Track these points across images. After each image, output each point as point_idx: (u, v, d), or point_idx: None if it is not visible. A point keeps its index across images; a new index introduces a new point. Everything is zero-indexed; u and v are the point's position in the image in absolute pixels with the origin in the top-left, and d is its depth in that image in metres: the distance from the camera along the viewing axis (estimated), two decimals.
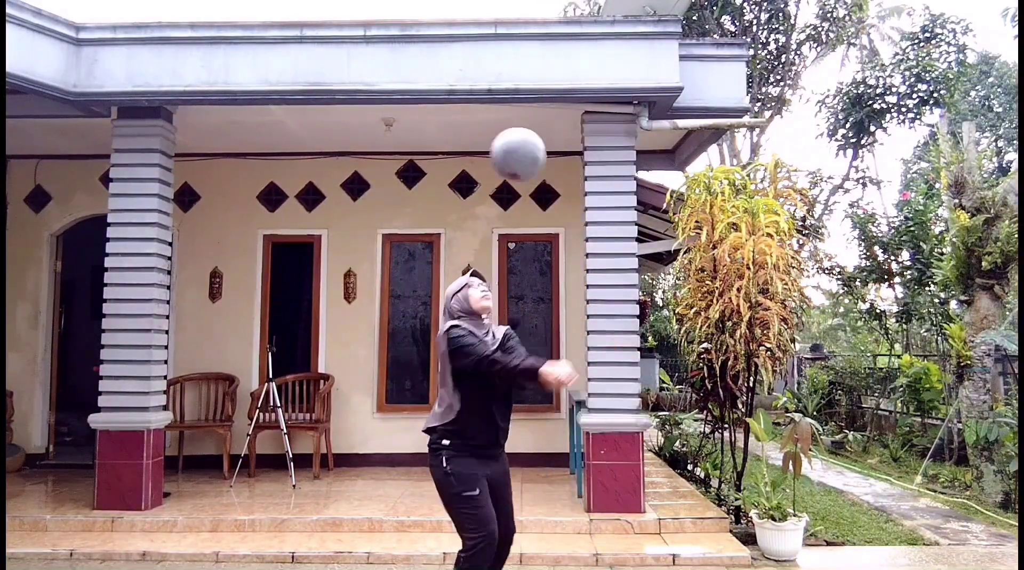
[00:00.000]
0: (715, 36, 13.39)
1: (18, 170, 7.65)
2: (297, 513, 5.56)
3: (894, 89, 12.56)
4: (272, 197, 7.80)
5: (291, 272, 7.81)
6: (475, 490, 3.17)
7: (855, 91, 12.75)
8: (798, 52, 14.36)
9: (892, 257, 11.90)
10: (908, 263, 11.68)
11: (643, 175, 7.64)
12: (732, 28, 14.12)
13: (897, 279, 11.85)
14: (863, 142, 13.14)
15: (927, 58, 12.55)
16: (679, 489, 6.51)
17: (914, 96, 12.49)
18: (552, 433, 7.43)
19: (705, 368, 6.09)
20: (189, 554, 4.94)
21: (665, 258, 10.23)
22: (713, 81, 5.78)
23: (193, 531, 5.38)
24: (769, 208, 5.71)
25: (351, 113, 6.32)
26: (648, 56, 5.53)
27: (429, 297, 7.75)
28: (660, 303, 19.57)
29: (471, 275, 3.49)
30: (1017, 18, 11.44)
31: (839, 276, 12.34)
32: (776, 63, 14.28)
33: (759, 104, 14.36)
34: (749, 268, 5.57)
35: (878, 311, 12.44)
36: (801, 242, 9.24)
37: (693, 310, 5.96)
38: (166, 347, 6.10)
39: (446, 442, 3.23)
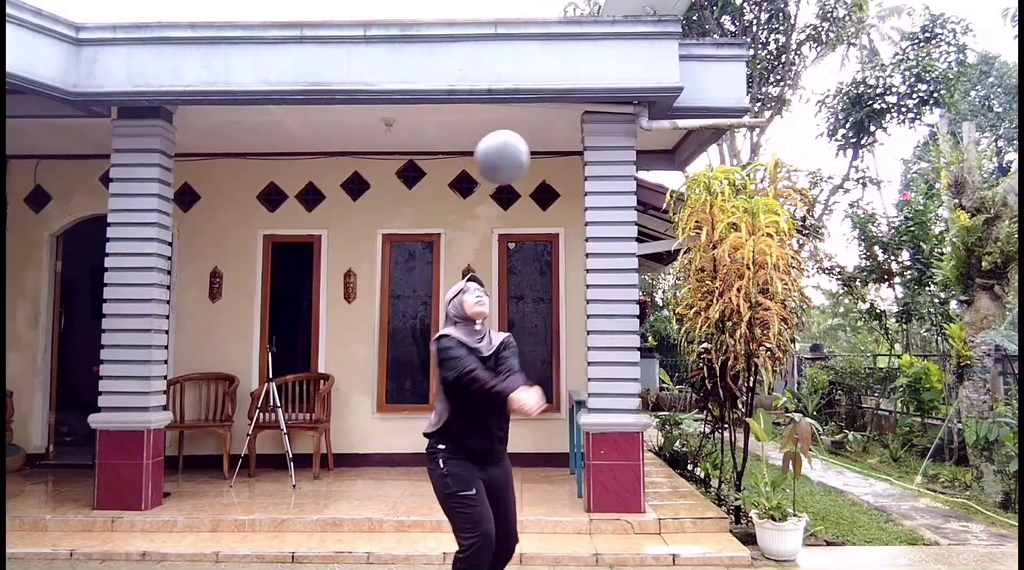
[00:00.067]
0: (715, 36, 13.39)
1: (18, 170, 7.65)
2: (297, 513, 5.56)
3: (894, 89, 12.55)
4: (272, 197, 7.80)
5: (291, 272, 7.81)
6: (470, 490, 3.17)
7: (855, 91, 12.74)
8: (798, 52, 14.35)
9: (892, 257, 11.90)
10: (908, 263, 11.68)
11: (643, 175, 7.64)
12: (732, 28, 14.11)
13: (897, 279, 11.85)
14: (863, 142, 13.14)
15: (927, 58, 12.54)
16: (679, 489, 6.51)
17: (914, 96, 12.48)
18: (552, 433, 7.43)
19: (705, 368, 6.09)
20: (189, 554, 4.95)
21: (665, 258, 10.22)
22: (713, 81, 5.78)
23: (193, 531, 5.38)
24: (769, 208, 5.70)
25: (351, 113, 6.32)
26: (648, 56, 5.52)
27: (429, 297, 7.75)
28: (660, 303, 19.57)
29: (469, 279, 3.44)
30: (1017, 18, 11.44)
31: (839, 276, 12.34)
32: (776, 63, 14.28)
33: (759, 104, 14.36)
34: (749, 268, 5.57)
35: (878, 311, 12.44)
36: (801, 242, 9.25)
37: (693, 310, 5.96)
38: (166, 347, 6.10)
39: (442, 446, 3.25)
